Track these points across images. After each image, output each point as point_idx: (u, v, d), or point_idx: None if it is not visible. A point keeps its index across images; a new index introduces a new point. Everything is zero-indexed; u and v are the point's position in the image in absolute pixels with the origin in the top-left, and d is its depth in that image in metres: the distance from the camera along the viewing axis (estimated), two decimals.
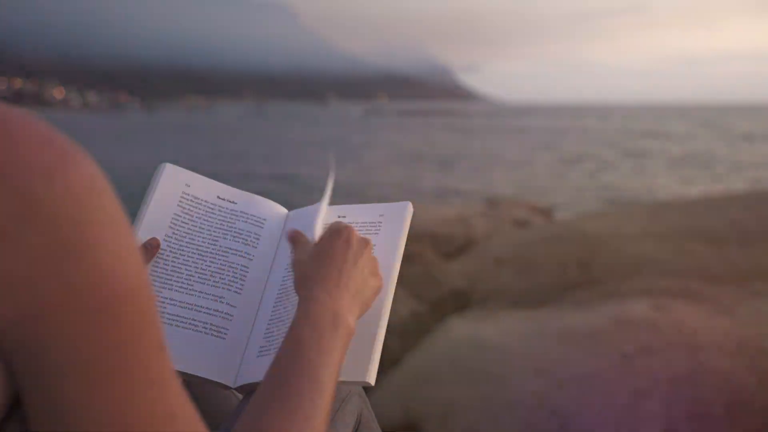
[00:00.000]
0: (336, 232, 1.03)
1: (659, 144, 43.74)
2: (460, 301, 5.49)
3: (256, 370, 1.13)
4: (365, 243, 1.04)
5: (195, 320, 1.16)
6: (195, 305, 1.17)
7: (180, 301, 1.17)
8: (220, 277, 1.21)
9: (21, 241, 0.52)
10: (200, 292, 1.18)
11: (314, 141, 50.51)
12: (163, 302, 1.17)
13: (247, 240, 1.26)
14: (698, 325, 3.91)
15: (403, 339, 4.60)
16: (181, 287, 1.19)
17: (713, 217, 6.33)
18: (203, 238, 1.24)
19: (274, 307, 1.21)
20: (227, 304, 1.19)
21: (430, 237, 6.91)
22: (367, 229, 1.24)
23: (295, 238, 1.09)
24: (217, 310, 1.18)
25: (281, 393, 0.83)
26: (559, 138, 52.97)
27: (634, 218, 6.76)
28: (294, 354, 0.87)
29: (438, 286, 5.61)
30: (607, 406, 3.36)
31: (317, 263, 0.99)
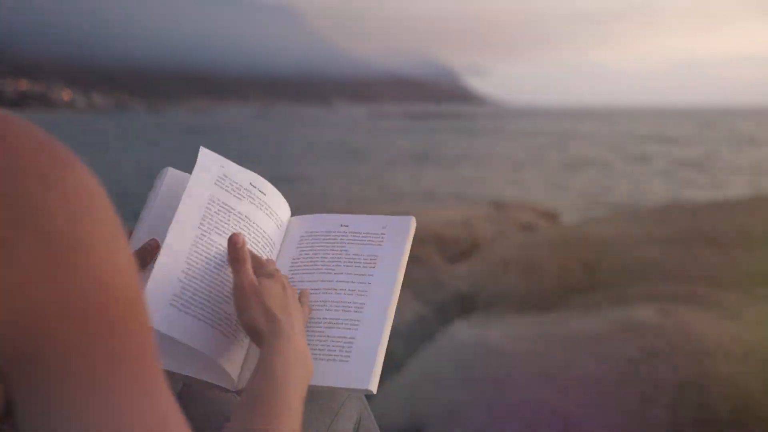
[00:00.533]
0: (269, 277, 1.07)
1: (664, 147, 43.68)
2: (465, 305, 5.48)
3: None
4: (294, 290, 1.11)
5: None
6: None
7: None
8: None
9: (16, 247, 0.52)
10: None
11: (319, 143, 50.62)
12: None
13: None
14: (704, 331, 3.89)
15: (407, 342, 4.60)
16: None
17: (719, 221, 6.31)
18: None
19: None
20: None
21: (435, 240, 6.90)
22: (369, 240, 1.24)
23: (239, 261, 1.08)
24: None
25: (261, 412, 0.90)
26: (564, 141, 52.96)
27: (639, 222, 6.75)
28: (269, 383, 0.93)
29: (443, 289, 5.60)
30: (612, 411, 3.34)
31: (272, 302, 1.03)
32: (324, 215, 1.31)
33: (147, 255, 1.15)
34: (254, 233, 1.21)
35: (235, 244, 1.09)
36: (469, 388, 3.58)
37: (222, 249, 1.15)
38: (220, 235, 1.16)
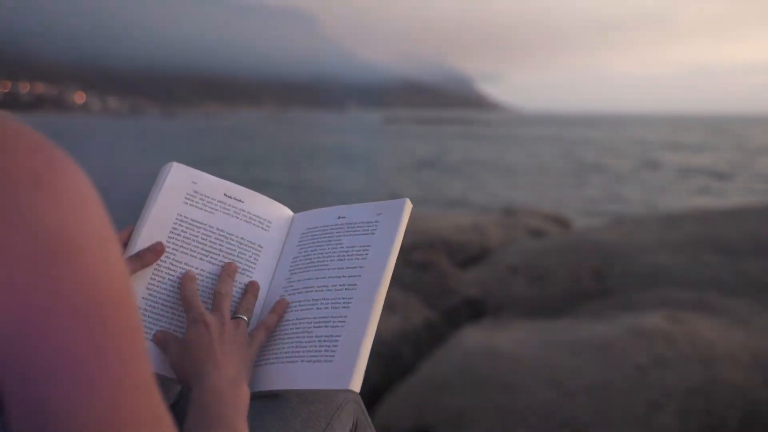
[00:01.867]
0: (193, 324, 1.09)
1: (676, 154, 43.50)
2: (473, 310, 5.47)
3: (254, 379, 1.13)
4: (220, 320, 1.10)
5: None
6: None
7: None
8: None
9: (7, 246, 0.53)
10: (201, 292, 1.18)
11: (329, 148, 50.69)
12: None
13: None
14: (713, 338, 3.89)
15: (416, 347, 4.60)
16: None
17: (729, 228, 6.29)
18: None
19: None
20: None
21: (445, 245, 6.90)
22: (364, 230, 1.22)
23: (164, 340, 1.12)
24: None
25: None
26: (574, 147, 52.82)
27: (649, 229, 6.73)
28: (206, 412, 0.96)
29: (452, 294, 5.60)
30: (620, 418, 3.34)
31: (192, 354, 1.06)
32: (324, 209, 1.29)
33: (153, 257, 1.15)
34: (228, 243, 1.21)
35: (156, 337, 1.13)
36: (477, 394, 3.59)
37: (187, 268, 1.16)
38: (186, 253, 1.17)
